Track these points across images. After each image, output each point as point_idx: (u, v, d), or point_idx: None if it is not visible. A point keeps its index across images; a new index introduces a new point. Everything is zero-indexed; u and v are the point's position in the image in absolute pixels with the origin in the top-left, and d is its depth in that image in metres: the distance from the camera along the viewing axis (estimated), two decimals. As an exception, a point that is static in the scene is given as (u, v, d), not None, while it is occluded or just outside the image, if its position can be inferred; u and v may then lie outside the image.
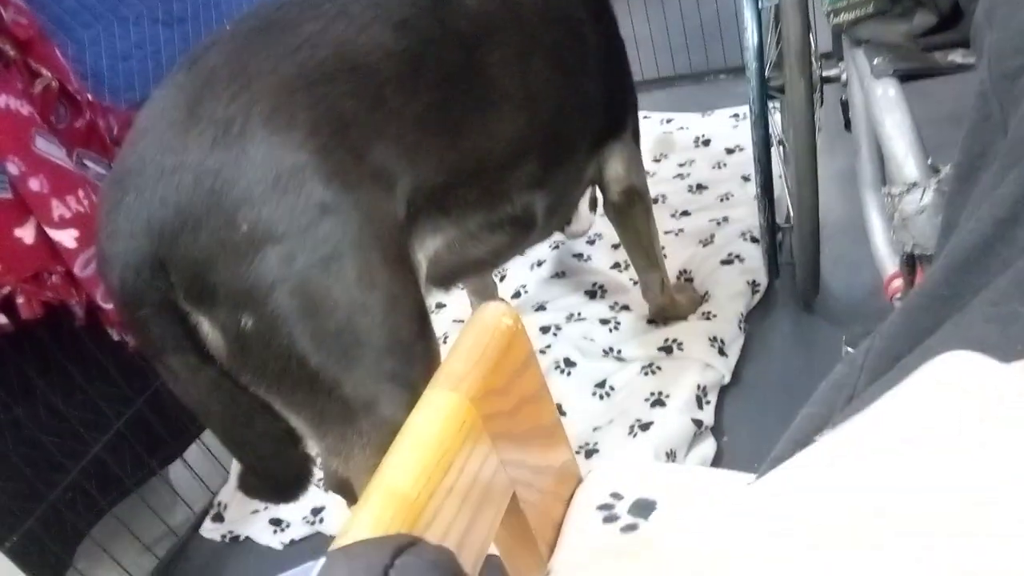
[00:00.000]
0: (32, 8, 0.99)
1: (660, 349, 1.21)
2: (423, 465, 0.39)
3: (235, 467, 1.22)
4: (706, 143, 1.75)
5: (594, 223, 1.40)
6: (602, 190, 1.15)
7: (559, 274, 1.51)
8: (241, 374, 0.68)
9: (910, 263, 0.67)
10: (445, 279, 0.90)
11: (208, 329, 0.67)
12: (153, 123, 0.67)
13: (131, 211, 0.64)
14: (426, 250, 0.80)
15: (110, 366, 1.14)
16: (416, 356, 0.71)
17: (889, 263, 0.90)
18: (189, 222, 0.62)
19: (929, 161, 0.63)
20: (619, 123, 1.07)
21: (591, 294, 1.43)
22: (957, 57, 0.69)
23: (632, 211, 1.15)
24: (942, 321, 0.42)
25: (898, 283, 0.86)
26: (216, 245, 0.62)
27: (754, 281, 1.31)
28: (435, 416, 0.42)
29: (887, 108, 0.67)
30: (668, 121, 1.87)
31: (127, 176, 0.65)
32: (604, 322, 1.33)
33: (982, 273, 0.45)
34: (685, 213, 1.55)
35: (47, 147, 0.91)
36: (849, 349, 0.79)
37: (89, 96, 1.04)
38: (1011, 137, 0.49)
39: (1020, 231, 0.45)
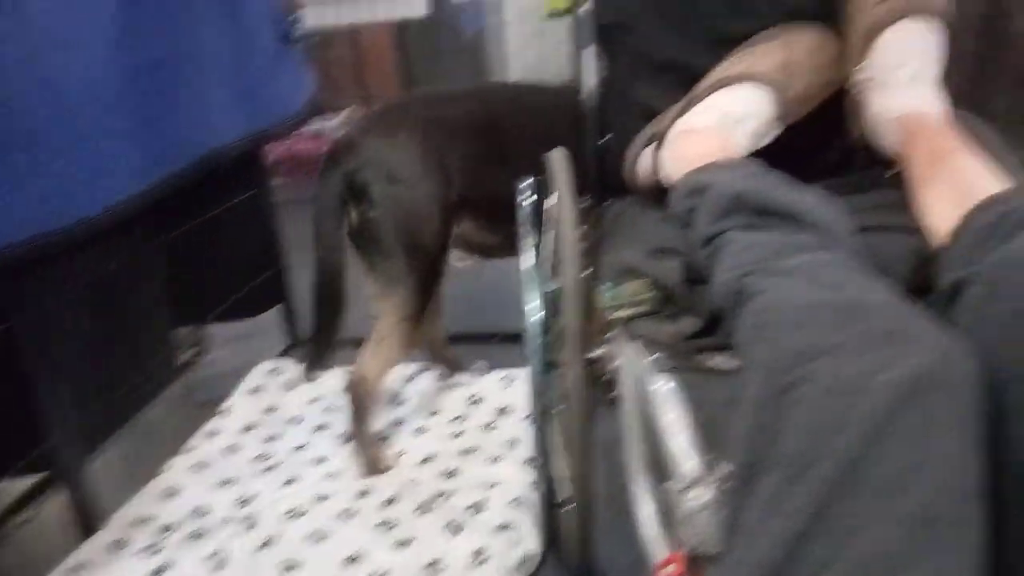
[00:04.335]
0: None
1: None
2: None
3: None
4: (477, 402, 1.78)
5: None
6: None
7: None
8: (357, 238, 1.43)
9: (694, 562, 0.67)
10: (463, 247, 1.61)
11: (353, 215, 1.41)
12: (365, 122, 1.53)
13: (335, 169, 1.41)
14: (459, 226, 1.51)
15: None
16: (425, 267, 1.44)
17: (659, 550, 0.90)
18: (366, 168, 1.39)
19: (707, 457, 0.66)
20: None
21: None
22: (720, 362, 0.76)
23: None
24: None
25: (670, 570, 0.86)
26: (374, 177, 1.38)
27: (525, 556, 1.27)
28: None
29: (665, 404, 0.70)
30: (442, 377, 1.89)
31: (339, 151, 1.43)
32: None
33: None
34: (453, 474, 1.51)
35: None
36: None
37: None
38: (791, 450, 0.52)
39: (816, 547, 0.46)
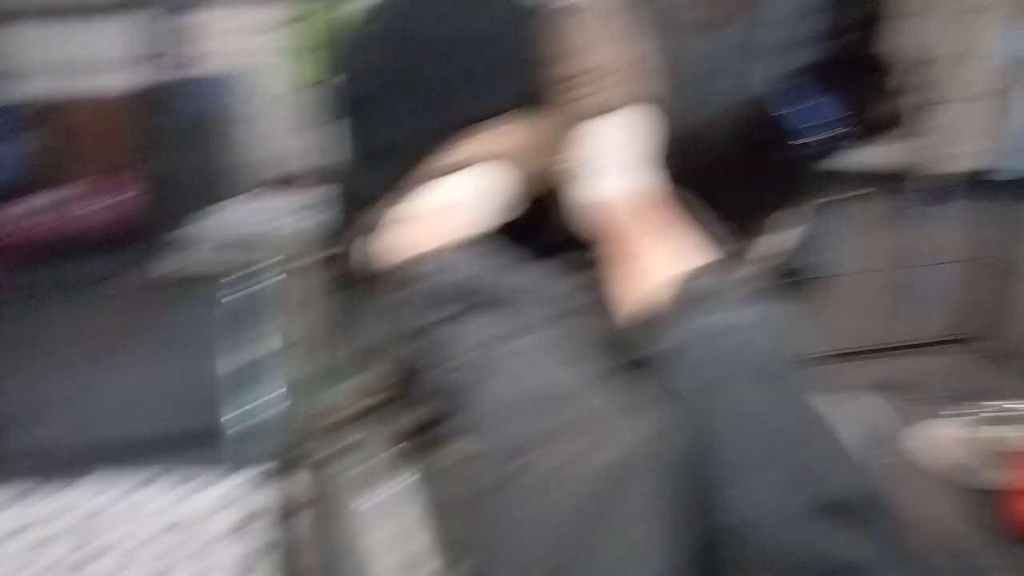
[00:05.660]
0: None
1: None
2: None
3: None
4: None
5: None
6: None
7: None
8: None
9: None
10: None
11: None
12: None
13: None
14: None
15: None
16: None
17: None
18: None
19: (449, 556, 0.64)
20: None
21: None
22: (456, 451, 0.75)
23: None
24: None
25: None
26: None
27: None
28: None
29: (400, 505, 0.68)
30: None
31: None
32: None
33: None
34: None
35: None
36: None
37: None
38: (513, 546, 0.51)
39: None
